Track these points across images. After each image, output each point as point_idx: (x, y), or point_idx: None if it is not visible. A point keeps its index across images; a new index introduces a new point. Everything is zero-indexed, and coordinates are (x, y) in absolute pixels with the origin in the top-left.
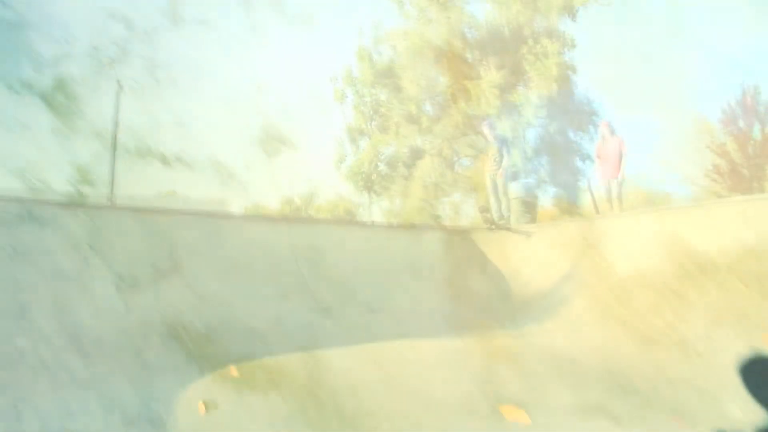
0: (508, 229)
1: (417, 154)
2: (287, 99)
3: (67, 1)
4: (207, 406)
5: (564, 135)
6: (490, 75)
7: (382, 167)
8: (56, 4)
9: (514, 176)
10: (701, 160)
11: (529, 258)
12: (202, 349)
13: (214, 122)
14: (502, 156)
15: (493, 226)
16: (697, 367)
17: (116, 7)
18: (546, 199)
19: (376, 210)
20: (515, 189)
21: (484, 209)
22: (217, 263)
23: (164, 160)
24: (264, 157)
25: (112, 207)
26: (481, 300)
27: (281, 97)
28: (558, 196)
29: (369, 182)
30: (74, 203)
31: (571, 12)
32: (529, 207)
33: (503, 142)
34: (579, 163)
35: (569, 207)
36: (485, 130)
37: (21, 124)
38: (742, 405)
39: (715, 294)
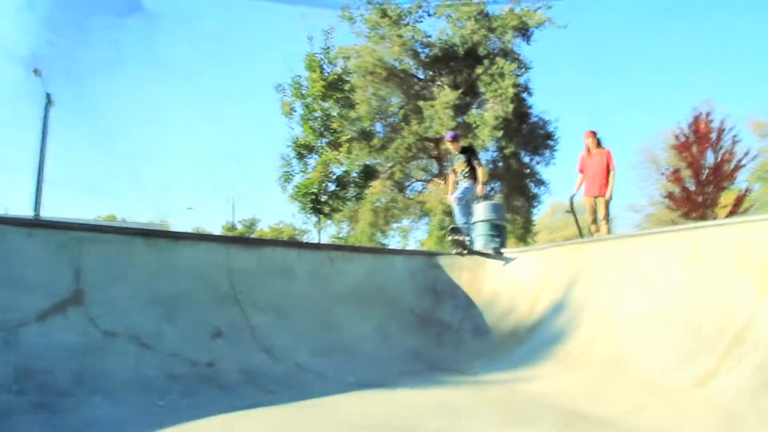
0: (482, 253)
1: (368, 176)
2: None
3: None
4: None
5: (517, 158)
6: (444, 95)
7: (332, 187)
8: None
9: (469, 201)
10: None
11: (507, 286)
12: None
13: None
14: (472, 169)
15: (464, 251)
16: None
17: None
18: None
19: (324, 236)
20: (484, 211)
21: (455, 231)
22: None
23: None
24: None
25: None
26: (454, 335)
27: None
28: (512, 221)
29: (318, 203)
30: None
31: (525, 34)
32: (500, 230)
33: (472, 152)
34: (533, 188)
35: (522, 234)
36: (450, 144)
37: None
38: None
39: None
